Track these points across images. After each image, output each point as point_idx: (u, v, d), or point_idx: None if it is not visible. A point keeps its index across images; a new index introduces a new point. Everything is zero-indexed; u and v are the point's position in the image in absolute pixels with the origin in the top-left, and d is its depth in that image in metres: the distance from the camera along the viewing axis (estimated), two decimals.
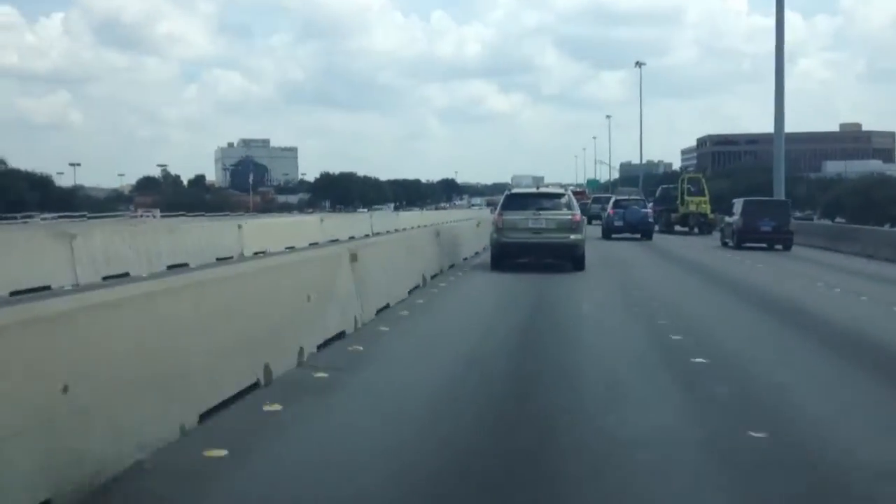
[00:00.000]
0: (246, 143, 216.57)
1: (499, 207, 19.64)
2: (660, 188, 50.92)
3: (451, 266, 18.78)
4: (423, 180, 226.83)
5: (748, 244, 27.60)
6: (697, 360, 8.08)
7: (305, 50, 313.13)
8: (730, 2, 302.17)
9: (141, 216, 56.22)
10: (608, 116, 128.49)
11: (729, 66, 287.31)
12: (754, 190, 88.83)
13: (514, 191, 21.36)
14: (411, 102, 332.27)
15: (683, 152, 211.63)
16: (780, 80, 38.06)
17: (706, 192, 42.04)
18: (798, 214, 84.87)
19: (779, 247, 27.59)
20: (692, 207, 41.21)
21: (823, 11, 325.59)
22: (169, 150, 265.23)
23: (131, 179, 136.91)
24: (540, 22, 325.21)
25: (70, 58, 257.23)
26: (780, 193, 36.38)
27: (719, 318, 11.90)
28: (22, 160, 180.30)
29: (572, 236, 18.19)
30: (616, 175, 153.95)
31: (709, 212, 41.15)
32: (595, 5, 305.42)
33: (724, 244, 29.16)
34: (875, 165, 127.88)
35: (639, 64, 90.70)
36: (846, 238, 28.92)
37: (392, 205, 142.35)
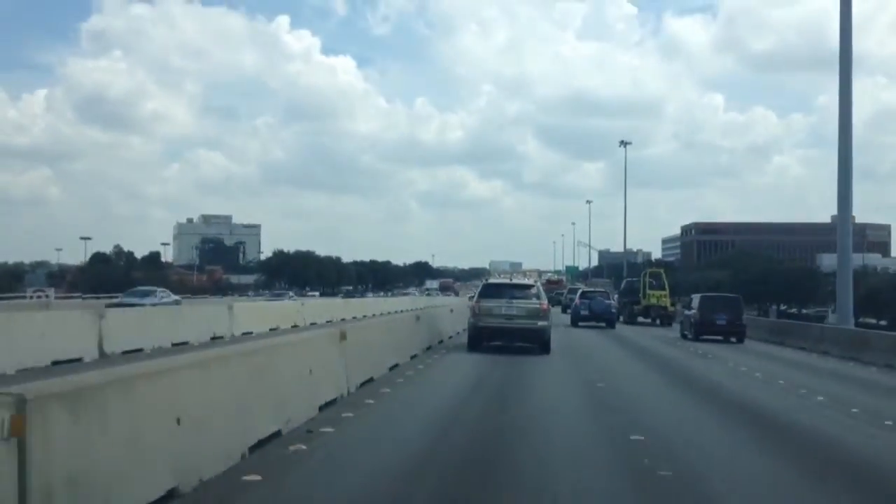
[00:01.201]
0: (206, 218, 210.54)
1: (476, 295, 21.90)
2: (624, 281, 53.34)
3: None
4: (401, 263, 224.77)
5: (704, 336, 29.56)
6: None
7: (289, 132, 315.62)
8: (706, 98, 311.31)
9: (33, 297, 54.49)
10: (589, 202, 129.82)
11: (706, 159, 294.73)
12: (754, 281, 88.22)
13: (490, 281, 23.75)
14: (393, 186, 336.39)
15: (664, 241, 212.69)
16: (845, 149, 30.88)
17: (666, 286, 44.39)
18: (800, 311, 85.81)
19: (733, 339, 29.55)
20: (653, 300, 43.51)
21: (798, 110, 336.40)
22: (145, 228, 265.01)
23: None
24: (521, 111, 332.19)
25: (52, 134, 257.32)
26: (846, 287, 30.71)
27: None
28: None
29: (540, 323, 20.35)
30: (595, 262, 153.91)
31: (668, 304, 43.35)
32: (575, 96, 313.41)
33: (684, 336, 31.04)
34: (874, 259, 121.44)
35: (623, 143, 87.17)
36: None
37: (348, 289, 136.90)
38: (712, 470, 7.98)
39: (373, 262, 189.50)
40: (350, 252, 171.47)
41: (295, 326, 28.13)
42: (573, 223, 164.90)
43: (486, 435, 9.45)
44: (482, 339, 20.59)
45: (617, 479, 7.53)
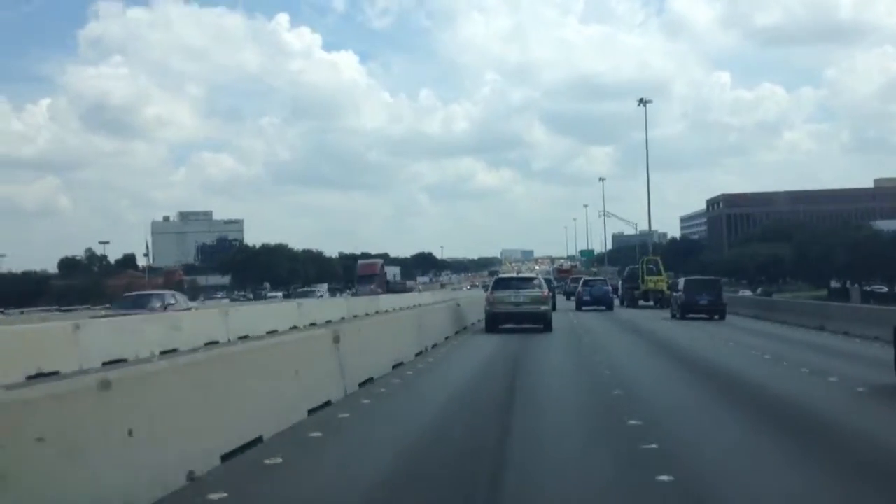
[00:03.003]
0: (184, 215, 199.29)
1: (490, 289, 26.96)
2: (626, 269, 57.82)
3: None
4: (403, 256, 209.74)
5: (690, 315, 33.78)
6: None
7: (294, 131, 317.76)
8: (714, 76, 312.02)
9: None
10: (602, 179, 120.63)
11: (715, 138, 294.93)
12: (815, 256, 78.26)
13: (501, 276, 28.83)
14: (401, 180, 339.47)
15: (683, 220, 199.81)
16: None
17: (662, 272, 48.74)
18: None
19: (716, 317, 33.74)
20: (651, 285, 47.96)
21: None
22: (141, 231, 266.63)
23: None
24: (527, 98, 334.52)
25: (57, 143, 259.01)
26: None
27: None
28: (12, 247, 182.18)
29: (542, 307, 25.32)
30: (610, 245, 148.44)
31: (665, 288, 47.60)
32: (581, 80, 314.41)
33: (673, 316, 35.32)
34: None
35: (643, 101, 73.19)
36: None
37: (326, 286, 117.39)
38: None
39: (364, 255, 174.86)
40: (360, 248, 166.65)
41: (294, 327, 26.35)
42: (585, 205, 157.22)
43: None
44: (497, 322, 25.30)
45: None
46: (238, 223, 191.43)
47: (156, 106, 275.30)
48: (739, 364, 16.44)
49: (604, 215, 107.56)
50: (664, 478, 6.69)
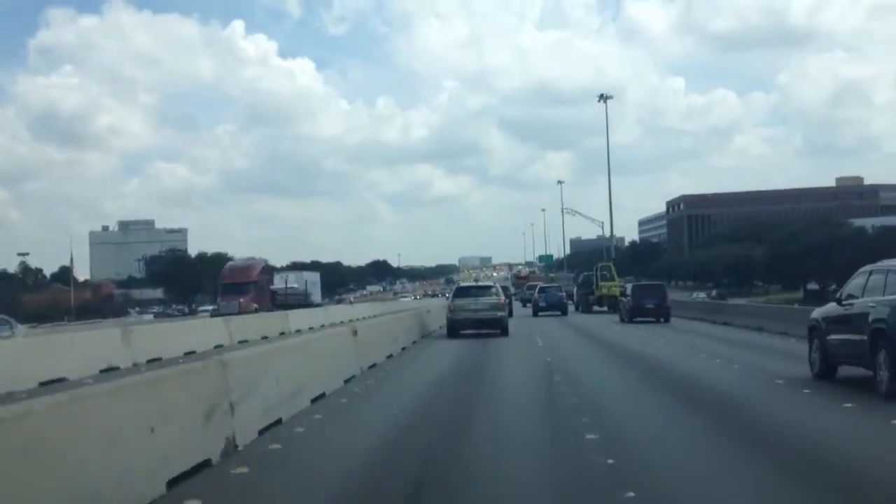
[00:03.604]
0: (124, 225, 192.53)
1: (451, 297, 29.19)
2: (581, 275, 60.31)
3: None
4: (358, 264, 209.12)
5: (637, 318, 36.06)
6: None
7: (250, 139, 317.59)
8: (668, 81, 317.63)
9: None
10: (560, 182, 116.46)
11: (669, 143, 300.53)
12: (793, 255, 72.72)
13: (461, 285, 30.93)
14: (359, 188, 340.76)
15: (641, 223, 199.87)
16: None
17: (615, 277, 51.24)
18: None
19: (661, 319, 36.11)
20: (605, 291, 50.38)
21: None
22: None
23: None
24: (484, 105, 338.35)
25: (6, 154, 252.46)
26: None
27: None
28: None
29: (499, 313, 27.55)
30: (568, 250, 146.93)
31: (618, 294, 49.98)
32: (538, 87, 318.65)
33: (622, 319, 37.66)
34: None
35: (603, 97, 73.20)
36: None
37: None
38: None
39: (314, 264, 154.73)
40: (313, 256, 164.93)
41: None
42: (543, 209, 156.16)
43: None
44: (458, 328, 27.44)
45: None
46: (182, 232, 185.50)
47: (108, 115, 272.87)
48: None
49: (563, 214, 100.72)
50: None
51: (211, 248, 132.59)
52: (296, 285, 62.28)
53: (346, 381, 14.58)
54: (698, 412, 11.12)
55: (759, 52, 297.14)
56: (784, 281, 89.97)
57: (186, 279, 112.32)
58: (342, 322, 32.11)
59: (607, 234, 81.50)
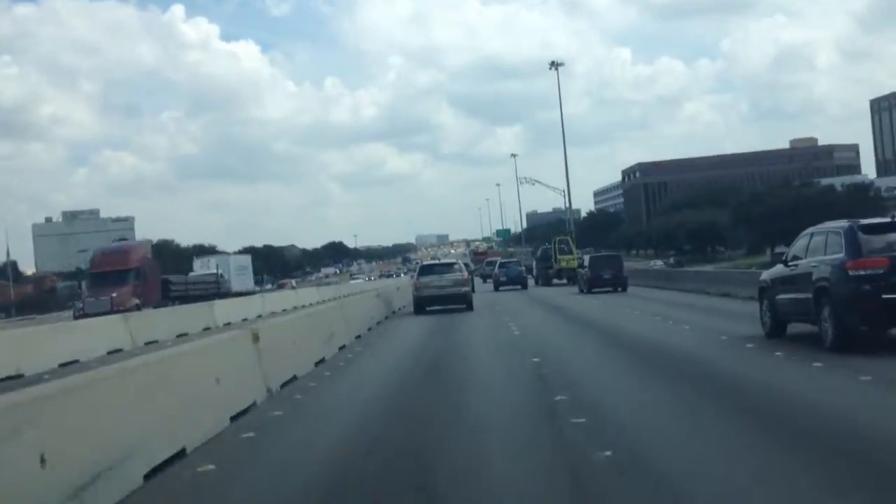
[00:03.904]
0: (68, 215, 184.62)
1: (416, 275, 30.09)
2: (540, 249, 61.31)
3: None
4: (313, 246, 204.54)
5: (596, 289, 37.04)
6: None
7: (197, 124, 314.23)
8: (615, 52, 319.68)
9: None
10: (514, 155, 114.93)
11: (618, 114, 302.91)
12: (768, 217, 69.34)
13: (425, 263, 31.78)
14: (310, 170, 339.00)
15: (597, 193, 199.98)
16: None
17: (573, 250, 52.28)
18: None
19: (619, 289, 37.10)
20: (563, 264, 51.33)
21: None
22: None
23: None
24: (433, 81, 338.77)
25: None
26: None
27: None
28: None
29: (463, 289, 28.52)
30: (525, 225, 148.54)
31: (576, 266, 50.99)
32: (485, 62, 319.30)
33: (581, 291, 38.59)
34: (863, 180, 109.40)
35: (554, 64, 72.54)
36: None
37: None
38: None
39: (266, 248, 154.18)
40: (266, 241, 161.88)
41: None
42: (498, 184, 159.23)
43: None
44: (424, 305, 28.23)
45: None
46: (128, 220, 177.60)
47: (50, 105, 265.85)
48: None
49: (519, 187, 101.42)
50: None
51: (159, 237, 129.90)
52: (214, 271, 54.65)
53: (233, 419, 9.01)
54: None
55: (701, 20, 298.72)
56: (751, 246, 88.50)
57: None
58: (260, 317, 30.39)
59: (567, 203, 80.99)
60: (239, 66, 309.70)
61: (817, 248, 13.04)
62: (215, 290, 49.78)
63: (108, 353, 20.27)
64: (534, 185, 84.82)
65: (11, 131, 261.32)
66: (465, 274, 29.72)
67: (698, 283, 33.11)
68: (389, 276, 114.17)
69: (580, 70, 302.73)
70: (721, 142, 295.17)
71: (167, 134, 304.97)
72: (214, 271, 54.68)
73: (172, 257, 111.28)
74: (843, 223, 12.77)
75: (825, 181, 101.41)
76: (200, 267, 57.08)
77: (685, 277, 37.77)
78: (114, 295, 37.87)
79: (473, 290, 33.01)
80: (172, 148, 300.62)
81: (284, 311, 33.04)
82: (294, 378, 12.10)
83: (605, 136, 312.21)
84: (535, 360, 13.05)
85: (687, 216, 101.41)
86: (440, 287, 28.20)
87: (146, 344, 22.22)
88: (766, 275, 15.41)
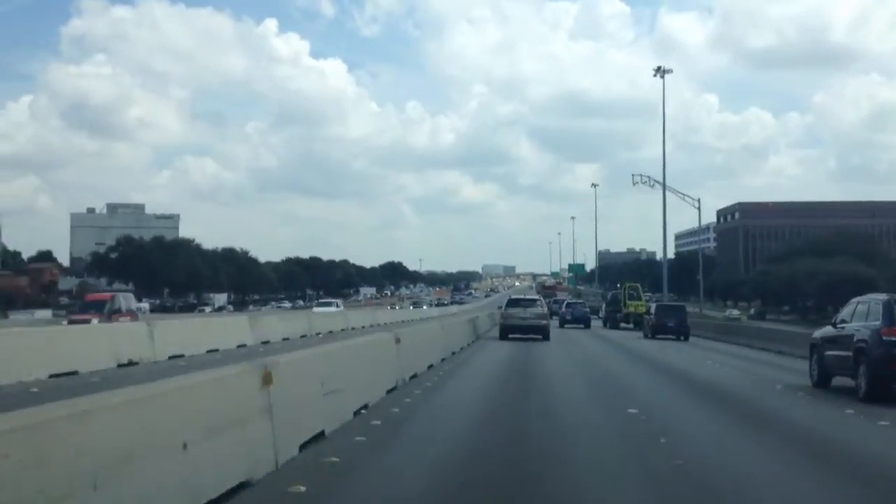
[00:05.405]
0: (112, 207, 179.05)
1: (504, 307, 34.07)
2: (610, 294, 63.77)
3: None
4: (371, 265, 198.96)
5: (659, 335, 38.96)
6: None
7: (279, 137, 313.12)
8: (702, 98, 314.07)
9: None
10: (594, 185, 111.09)
11: (701, 160, 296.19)
12: None
13: (512, 297, 37.15)
14: (385, 191, 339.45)
15: (679, 236, 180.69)
16: None
17: (641, 297, 54.61)
18: None
19: (681, 337, 39.06)
20: (632, 309, 53.51)
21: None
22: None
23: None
24: (514, 113, 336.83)
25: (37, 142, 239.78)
26: None
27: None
28: None
29: (543, 321, 32.23)
30: (596, 263, 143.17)
31: (644, 312, 53.16)
32: (569, 97, 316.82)
33: (645, 335, 40.65)
34: None
35: (661, 70, 67.26)
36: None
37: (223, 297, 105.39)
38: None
39: (313, 260, 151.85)
40: (335, 256, 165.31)
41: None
42: (573, 217, 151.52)
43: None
44: (508, 332, 32.10)
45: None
46: (173, 219, 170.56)
47: (139, 107, 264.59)
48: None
49: (636, 180, 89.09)
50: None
51: (215, 243, 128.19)
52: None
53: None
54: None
55: (795, 72, 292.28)
56: None
57: (137, 268, 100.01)
58: None
59: (663, 245, 73.26)
60: (325, 83, 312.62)
61: (861, 315, 15.37)
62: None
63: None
64: (653, 186, 70.65)
65: (99, 130, 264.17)
66: (545, 309, 33.65)
67: (751, 339, 35.04)
68: (443, 303, 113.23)
69: (667, 113, 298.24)
70: (804, 196, 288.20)
71: (250, 144, 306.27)
72: None
73: (238, 265, 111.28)
74: (883, 296, 15.13)
75: None
76: None
77: (738, 332, 39.61)
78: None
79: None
80: (254, 158, 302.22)
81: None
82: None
83: (687, 180, 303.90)
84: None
85: (814, 265, 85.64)
86: (523, 318, 32.08)
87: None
88: (817, 333, 17.81)
